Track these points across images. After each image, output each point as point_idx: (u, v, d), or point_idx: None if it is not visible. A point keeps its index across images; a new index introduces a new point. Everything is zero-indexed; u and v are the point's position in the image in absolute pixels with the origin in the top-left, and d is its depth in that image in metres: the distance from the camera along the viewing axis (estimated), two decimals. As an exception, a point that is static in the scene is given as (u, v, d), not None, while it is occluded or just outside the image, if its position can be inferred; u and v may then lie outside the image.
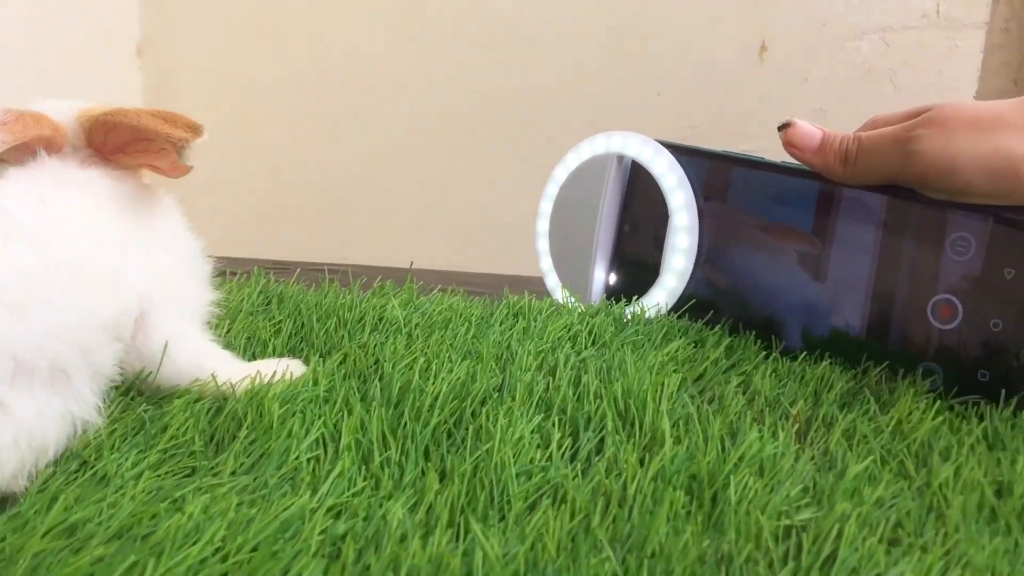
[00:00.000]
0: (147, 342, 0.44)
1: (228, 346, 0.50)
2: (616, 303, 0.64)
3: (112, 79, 1.23)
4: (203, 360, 0.46)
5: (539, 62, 1.21)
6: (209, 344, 0.48)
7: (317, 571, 0.32)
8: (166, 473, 0.38)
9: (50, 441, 0.38)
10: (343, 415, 0.43)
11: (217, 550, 0.33)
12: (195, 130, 0.45)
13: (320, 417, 0.42)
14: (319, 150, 1.27)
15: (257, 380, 0.45)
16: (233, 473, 0.39)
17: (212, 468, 0.39)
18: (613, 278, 0.67)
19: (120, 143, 0.46)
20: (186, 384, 0.45)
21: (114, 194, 0.45)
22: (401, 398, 0.45)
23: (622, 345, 0.54)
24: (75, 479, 0.38)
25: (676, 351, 0.53)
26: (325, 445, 0.41)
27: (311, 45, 1.24)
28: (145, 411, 0.43)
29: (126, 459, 0.39)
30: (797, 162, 0.55)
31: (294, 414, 0.43)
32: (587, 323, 0.56)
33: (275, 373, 0.46)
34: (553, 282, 0.69)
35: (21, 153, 0.44)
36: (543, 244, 0.71)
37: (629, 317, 0.60)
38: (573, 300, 0.65)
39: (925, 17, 1.51)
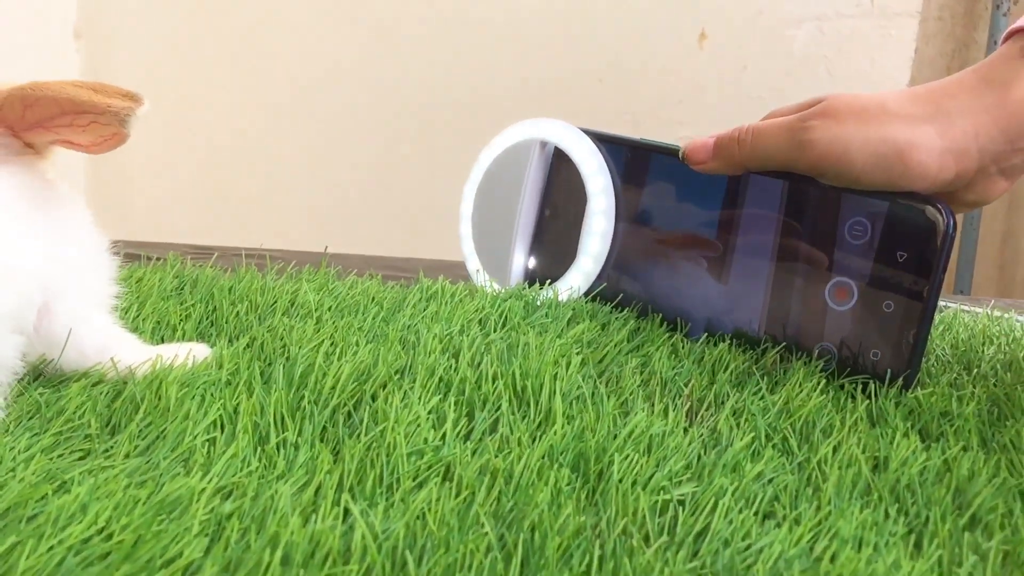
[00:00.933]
0: (51, 329, 0.44)
1: (136, 331, 0.50)
2: (532, 287, 0.65)
3: (48, 61, 1.22)
4: (108, 344, 0.46)
5: (478, 48, 1.21)
6: (114, 329, 0.48)
7: (198, 549, 0.32)
8: (58, 456, 0.39)
9: None
10: (243, 398, 0.43)
11: (100, 530, 0.33)
12: (133, 99, 0.43)
13: (219, 400, 0.43)
14: (248, 135, 1.27)
15: (159, 364, 0.46)
16: (127, 456, 0.39)
17: (106, 451, 0.39)
18: (532, 262, 0.68)
19: (40, 118, 0.44)
20: (90, 368, 0.45)
21: (14, 186, 0.44)
22: (304, 381, 0.45)
23: (529, 328, 0.55)
24: (-34, 463, 0.38)
25: (581, 333, 0.54)
26: (222, 427, 0.42)
27: (246, 30, 1.23)
28: (41, 395, 0.43)
29: (18, 442, 0.39)
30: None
31: (193, 397, 0.43)
32: (498, 307, 0.57)
33: (176, 356, 0.46)
34: (474, 266, 0.70)
35: None
36: (465, 228, 0.71)
37: (541, 302, 0.61)
38: (490, 284, 0.66)
39: (860, 6, 1.54)
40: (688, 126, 1.48)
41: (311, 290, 0.58)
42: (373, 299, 0.58)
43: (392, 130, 1.22)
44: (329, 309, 0.55)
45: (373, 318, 0.54)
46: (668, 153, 0.60)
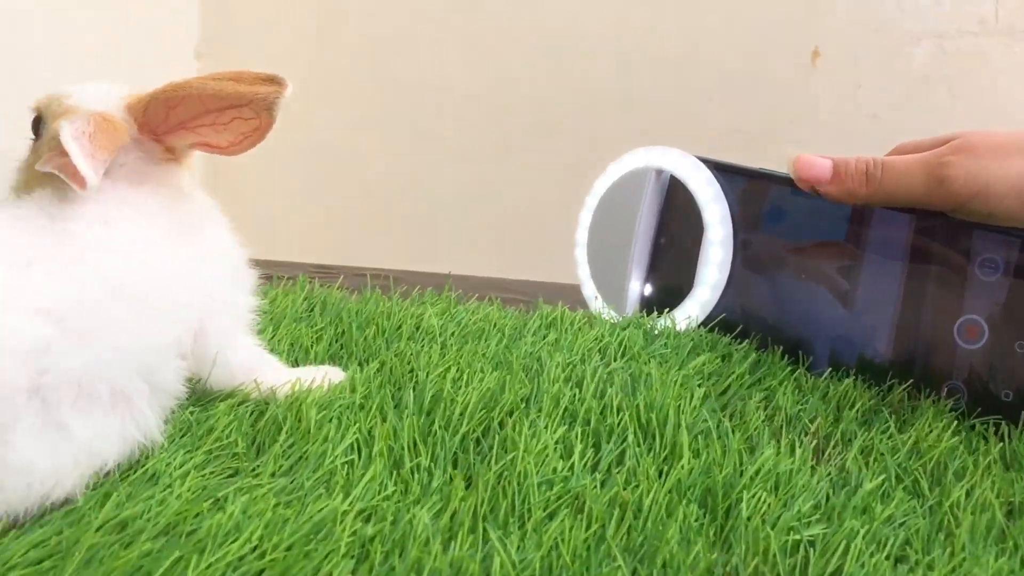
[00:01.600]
0: (203, 350, 0.47)
1: (272, 351, 0.52)
2: (649, 315, 0.65)
3: (172, 79, 1.27)
4: (253, 364, 0.49)
5: (585, 64, 1.21)
6: (258, 349, 0.50)
7: (346, 571, 0.34)
8: (210, 473, 0.41)
9: (109, 458, 0.40)
10: (377, 422, 0.45)
11: (254, 548, 0.35)
12: (277, 82, 0.43)
13: (355, 423, 0.45)
14: (368, 153, 1.30)
15: (297, 386, 0.48)
16: (272, 475, 0.41)
17: (253, 470, 0.42)
18: (648, 290, 0.69)
19: (183, 119, 0.45)
20: (236, 387, 0.48)
21: (163, 207, 0.47)
22: (433, 407, 0.47)
23: (650, 359, 0.55)
24: (127, 476, 0.41)
25: (702, 365, 0.54)
26: (359, 450, 0.43)
27: (364, 49, 1.26)
28: (191, 413, 0.45)
29: (174, 459, 0.42)
30: None
31: (331, 420, 0.45)
32: (617, 335, 0.58)
33: (314, 380, 0.49)
34: (590, 291, 0.71)
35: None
36: (581, 253, 0.72)
37: (659, 330, 0.61)
38: (607, 311, 0.66)
39: (984, 23, 1.49)
40: (800, 145, 1.46)
41: (435, 315, 0.59)
42: (495, 325, 0.59)
43: (507, 154, 1.23)
44: (452, 334, 0.57)
45: (496, 344, 0.55)
46: (786, 183, 0.60)
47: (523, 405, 0.47)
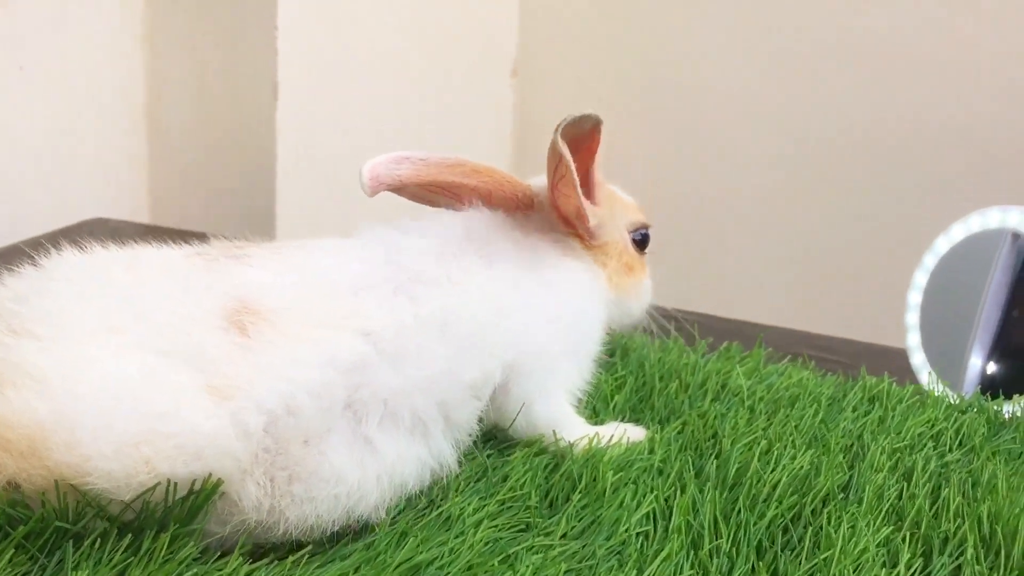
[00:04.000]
0: (506, 402, 0.46)
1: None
2: (993, 399, 0.57)
3: (483, 98, 1.30)
4: (557, 419, 0.47)
5: (923, 92, 1.09)
6: (566, 407, 0.48)
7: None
8: (503, 524, 0.40)
9: (407, 481, 0.41)
10: (676, 491, 0.42)
11: (541, 617, 0.33)
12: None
13: (652, 491, 0.42)
14: (674, 181, 1.25)
15: (595, 441, 0.46)
16: (564, 536, 0.40)
17: (545, 527, 0.40)
18: (992, 368, 0.60)
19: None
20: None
21: (534, 264, 0.48)
22: (737, 481, 0.43)
23: (994, 453, 0.48)
24: (423, 516, 0.41)
25: (1063, 470, 0.46)
26: (655, 520, 0.41)
27: (678, 70, 1.22)
28: (488, 457, 0.45)
29: (468, 504, 0.41)
30: None
31: (627, 483, 0.43)
32: (954, 420, 0.51)
33: (612, 436, 0.46)
34: (919, 361, 0.64)
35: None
36: (912, 317, 0.65)
37: (1008, 417, 0.53)
38: (941, 387, 0.59)
39: None
40: None
41: (743, 374, 0.55)
42: (809, 393, 0.54)
43: (834, 195, 1.14)
44: (761, 399, 0.53)
45: (812, 416, 0.50)
46: None
47: (840, 494, 0.42)
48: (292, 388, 0.37)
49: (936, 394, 0.56)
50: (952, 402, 0.54)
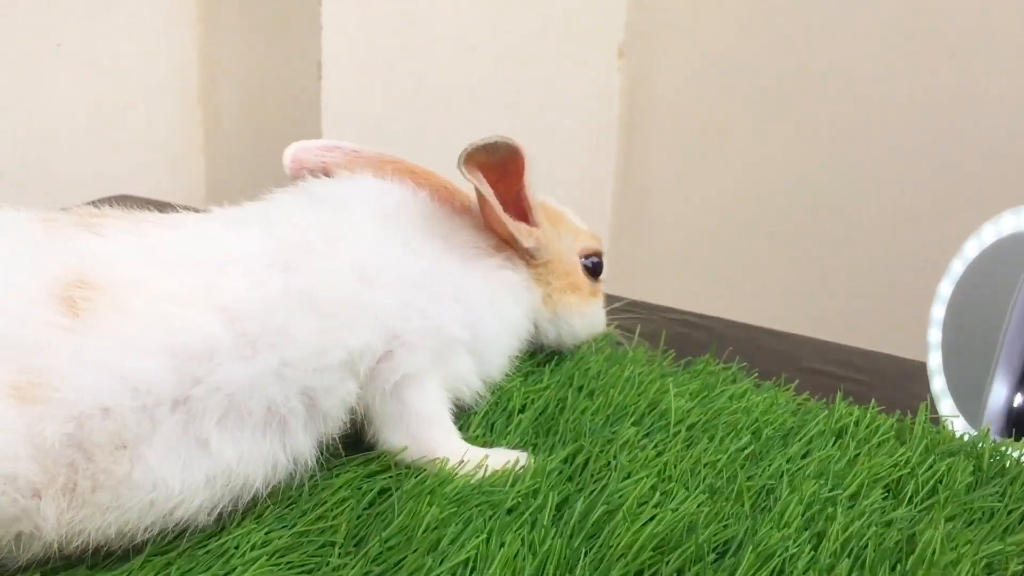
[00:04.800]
0: (377, 378, 0.41)
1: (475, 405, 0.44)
2: (1016, 437, 0.45)
3: (591, 79, 1.23)
4: (431, 417, 0.41)
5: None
6: (443, 407, 0.42)
7: None
8: (287, 564, 0.33)
9: (252, 481, 0.35)
10: (514, 537, 0.34)
11: None
12: None
13: (485, 532, 0.34)
14: (774, 162, 1.13)
15: (443, 468, 0.39)
16: (350, 583, 0.32)
17: (336, 569, 0.33)
18: (1021, 400, 0.48)
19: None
20: (399, 439, 0.40)
21: (454, 249, 0.45)
22: (599, 529, 0.35)
23: (966, 509, 0.37)
24: (204, 545, 0.35)
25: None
26: (472, 570, 0.33)
27: (794, 52, 1.10)
28: (311, 478, 0.38)
29: (257, 534, 0.35)
30: None
31: (457, 522, 0.35)
32: (930, 465, 0.40)
33: (465, 461, 0.39)
34: (940, 386, 0.52)
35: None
36: (935, 336, 0.53)
37: (1008, 464, 0.42)
38: (954, 420, 0.48)
39: None
40: None
41: (682, 394, 0.46)
42: (755, 421, 0.44)
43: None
44: (691, 426, 0.44)
45: (738, 451, 0.41)
46: None
47: (713, 559, 0.33)
48: (113, 385, 0.32)
49: (946, 428, 0.45)
50: (950, 439, 0.44)
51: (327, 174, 0.49)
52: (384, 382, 0.40)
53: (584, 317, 0.52)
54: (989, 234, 0.51)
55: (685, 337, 0.61)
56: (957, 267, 0.53)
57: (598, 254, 0.53)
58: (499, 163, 0.45)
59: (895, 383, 0.53)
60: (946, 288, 0.53)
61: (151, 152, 1.01)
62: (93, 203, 0.77)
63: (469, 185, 0.46)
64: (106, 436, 0.32)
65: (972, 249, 0.52)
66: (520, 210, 0.48)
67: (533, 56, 1.12)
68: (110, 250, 0.36)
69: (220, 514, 0.36)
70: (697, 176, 1.20)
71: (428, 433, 0.40)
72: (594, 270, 0.53)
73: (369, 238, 0.43)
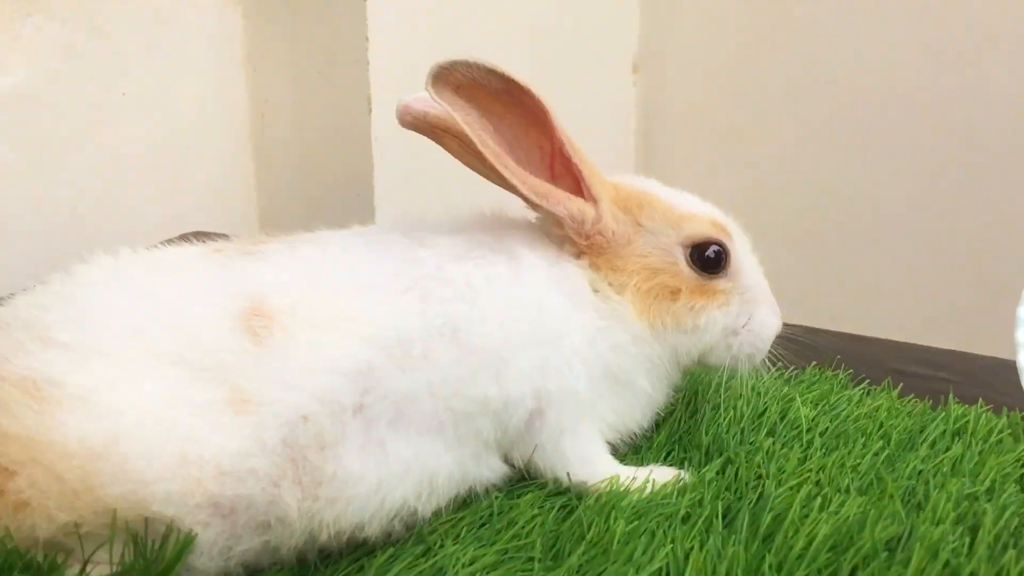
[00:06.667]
0: (539, 433, 0.43)
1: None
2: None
3: (606, 93, 1.26)
4: (590, 457, 0.44)
5: None
6: (598, 443, 0.45)
7: None
8: (499, 578, 0.37)
9: (437, 475, 0.40)
10: (697, 544, 0.38)
11: None
12: None
13: (672, 541, 0.38)
14: (792, 175, 1.17)
15: (615, 485, 0.42)
16: (561, 594, 0.36)
17: (543, 582, 0.37)
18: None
19: None
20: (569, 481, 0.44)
21: (561, 284, 0.44)
22: (771, 533, 0.38)
23: (1096, 501, 0.41)
24: (418, 562, 0.38)
25: None
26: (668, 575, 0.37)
27: (808, 62, 1.13)
28: (496, 499, 0.42)
29: (465, 553, 0.38)
30: None
31: (643, 533, 0.39)
32: (1052, 459, 0.44)
33: (635, 478, 0.43)
34: (1030, 385, 0.56)
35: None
36: (1022, 335, 0.57)
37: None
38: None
39: None
40: None
41: (805, 403, 0.50)
42: (881, 426, 0.48)
43: (945, 198, 1.03)
44: (824, 432, 0.47)
45: (875, 454, 0.45)
46: None
47: (885, 551, 0.37)
48: (305, 398, 0.38)
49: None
50: (1054, 436, 0.47)
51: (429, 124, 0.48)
52: (545, 440, 0.43)
53: (696, 332, 0.44)
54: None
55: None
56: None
57: (710, 242, 0.44)
58: (512, 101, 0.42)
59: (978, 380, 0.57)
60: (1032, 291, 0.57)
61: (206, 189, 1.04)
62: (178, 238, 0.81)
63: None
64: (310, 438, 0.38)
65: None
66: (572, 177, 0.43)
67: (554, 73, 1.14)
68: (273, 279, 0.41)
69: (424, 539, 0.40)
70: (714, 182, 1.23)
71: (594, 470, 0.44)
72: (705, 264, 0.44)
73: (500, 283, 0.43)
